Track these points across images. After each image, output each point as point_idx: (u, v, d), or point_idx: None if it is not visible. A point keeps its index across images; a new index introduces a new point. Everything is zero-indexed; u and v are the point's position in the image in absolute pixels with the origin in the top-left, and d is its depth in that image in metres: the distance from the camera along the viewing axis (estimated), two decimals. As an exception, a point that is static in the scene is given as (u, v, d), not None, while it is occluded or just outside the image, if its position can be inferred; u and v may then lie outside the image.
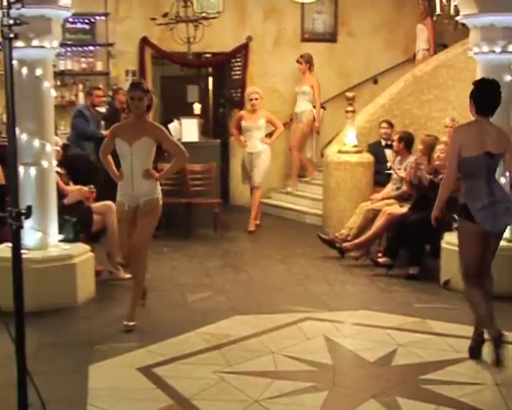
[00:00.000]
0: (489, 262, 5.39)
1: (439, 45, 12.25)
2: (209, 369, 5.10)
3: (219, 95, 14.03)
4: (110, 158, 6.12)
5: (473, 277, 5.30)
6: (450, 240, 7.29)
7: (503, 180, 5.69)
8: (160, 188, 6.10)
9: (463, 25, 7.57)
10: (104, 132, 9.96)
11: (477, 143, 5.16)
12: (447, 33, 10.80)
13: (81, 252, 6.85)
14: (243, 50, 12.28)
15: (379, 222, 8.18)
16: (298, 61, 11.74)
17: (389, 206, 8.33)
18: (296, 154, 11.73)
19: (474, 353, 5.35)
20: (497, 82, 5.35)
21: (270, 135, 10.58)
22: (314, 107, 11.68)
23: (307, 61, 11.68)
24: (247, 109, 10.48)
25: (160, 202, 6.08)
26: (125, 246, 6.12)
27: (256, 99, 10.17)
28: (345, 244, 8.39)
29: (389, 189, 8.80)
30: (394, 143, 8.82)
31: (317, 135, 11.83)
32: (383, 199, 8.68)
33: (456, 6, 7.94)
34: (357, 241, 8.33)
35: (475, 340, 5.37)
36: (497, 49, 6.92)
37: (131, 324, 5.95)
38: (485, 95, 5.25)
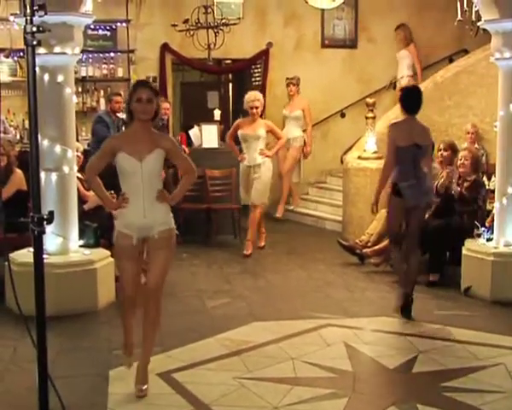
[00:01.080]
0: (413, 233, 6.57)
1: (460, 51, 12.22)
2: (229, 375, 5.10)
3: (239, 101, 14.06)
4: (98, 179, 4.92)
5: (396, 242, 6.67)
6: (471, 247, 7.26)
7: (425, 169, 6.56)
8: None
9: (485, 30, 7.54)
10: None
11: (407, 136, 6.42)
12: (468, 39, 10.73)
13: (102, 257, 6.88)
14: (263, 56, 12.30)
15: (399, 228, 8.15)
16: (290, 84, 11.30)
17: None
18: (288, 181, 11.30)
19: (404, 311, 6.45)
20: (419, 88, 6.83)
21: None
22: (304, 131, 11.33)
23: (298, 83, 11.34)
24: (246, 118, 9.42)
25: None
26: (130, 287, 4.92)
27: (257, 108, 9.12)
28: (365, 250, 8.37)
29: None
30: (440, 153, 8.53)
31: (304, 160, 11.43)
32: None
33: (477, 11, 7.88)
34: (377, 247, 8.30)
35: (403, 299, 6.51)
36: (519, 55, 6.89)
37: (144, 388, 4.80)
38: (409, 99, 6.61)
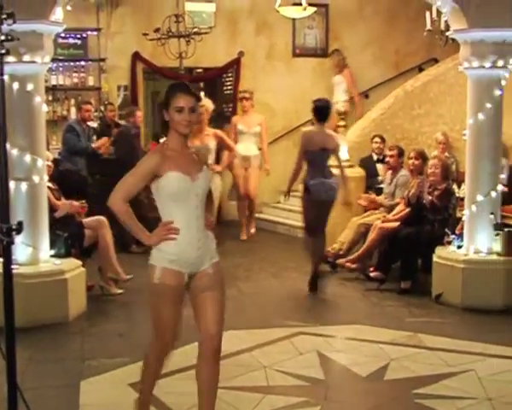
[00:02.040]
0: (322, 223, 7.65)
1: (430, 60, 12.34)
2: (201, 384, 5.07)
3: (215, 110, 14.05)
4: (130, 209, 3.97)
5: (308, 231, 7.72)
6: (441, 254, 7.31)
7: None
8: None
9: (454, 40, 7.62)
10: (94, 145, 9.99)
11: (316, 142, 7.51)
12: (438, 48, 10.85)
13: (72, 267, 6.83)
14: (235, 65, 12.30)
15: (371, 236, 8.19)
16: (246, 98, 10.45)
17: (379, 219, 8.34)
18: (256, 201, 10.76)
19: (311, 286, 7.57)
20: (328, 102, 7.90)
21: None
22: (259, 149, 10.60)
23: (252, 98, 10.56)
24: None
25: None
26: (171, 336, 4.16)
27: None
28: (338, 261, 8.39)
29: (382, 198, 8.83)
30: (392, 159, 8.71)
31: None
32: (375, 202, 8.74)
33: (446, 21, 7.97)
34: (351, 257, 8.33)
35: (312, 276, 7.62)
36: (487, 65, 6.96)
37: None
38: (319, 109, 7.63)
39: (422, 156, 8.32)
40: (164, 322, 4.04)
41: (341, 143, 9.60)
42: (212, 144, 8.48)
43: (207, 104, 8.39)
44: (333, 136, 7.80)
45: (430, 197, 7.74)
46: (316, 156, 7.55)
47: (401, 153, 8.74)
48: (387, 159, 8.90)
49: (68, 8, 7.04)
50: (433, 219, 7.70)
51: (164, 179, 3.86)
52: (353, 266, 8.24)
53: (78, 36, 11.45)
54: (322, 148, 7.54)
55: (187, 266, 3.98)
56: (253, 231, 10.75)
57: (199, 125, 8.20)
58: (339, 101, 10.70)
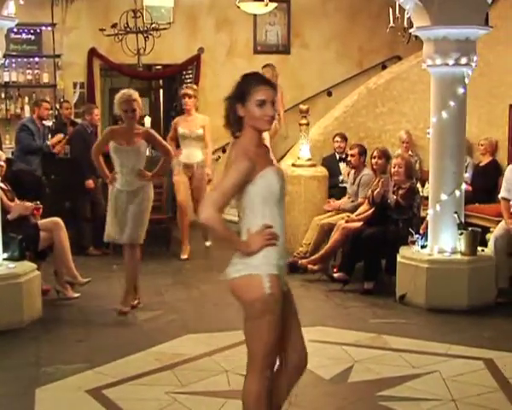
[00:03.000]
0: None
1: (393, 57, 12.45)
2: (161, 390, 5.07)
3: (170, 107, 14.00)
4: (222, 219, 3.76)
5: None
6: (405, 254, 7.37)
7: None
8: None
9: (417, 37, 7.70)
10: (49, 142, 9.89)
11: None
12: (401, 45, 10.95)
13: (27, 270, 6.74)
14: (195, 62, 12.29)
15: (334, 236, 8.23)
16: (190, 96, 9.29)
17: (343, 219, 8.39)
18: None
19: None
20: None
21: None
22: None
23: (196, 95, 9.50)
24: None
25: None
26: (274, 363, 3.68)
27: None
28: (301, 261, 8.39)
29: (345, 201, 8.88)
30: (354, 158, 8.79)
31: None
32: (338, 209, 8.79)
33: (409, 18, 8.05)
34: (313, 257, 8.35)
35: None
36: (451, 62, 7.04)
37: None
38: None
39: (385, 155, 8.39)
40: (273, 343, 3.55)
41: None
42: (144, 147, 7.00)
43: (139, 98, 6.99)
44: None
45: (395, 197, 7.80)
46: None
47: (363, 152, 8.80)
48: (349, 158, 8.97)
49: (21, 1, 6.97)
50: (397, 218, 7.77)
51: (261, 182, 3.53)
52: (315, 267, 8.27)
53: (32, 31, 11.35)
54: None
55: (284, 274, 3.68)
56: (186, 253, 9.47)
57: (129, 121, 6.83)
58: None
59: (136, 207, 6.80)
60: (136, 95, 6.89)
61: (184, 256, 9.37)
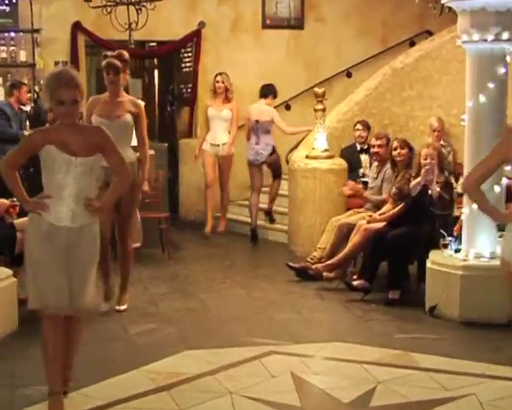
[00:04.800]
0: None
1: (422, 33, 12.42)
2: (155, 414, 5.06)
3: (167, 91, 14.01)
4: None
5: None
6: (436, 259, 7.35)
7: None
8: None
9: (450, 9, 7.67)
10: (26, 132, 9.89)
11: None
12: (432, 19, 10.92)
13: (1, 277, 6.76)
14: (195, 38, 12.30)
15: (354, 239, 8.20)
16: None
17: (364, 219, 8.34)
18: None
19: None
20: None
21: None
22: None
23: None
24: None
25: None
26: None
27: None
28: (316, 266, 8.37)
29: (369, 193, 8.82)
30: (381, 149, 8.64)
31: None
32: (360, 196, 8.84)
33: (441, -13, 8.03)
34: (329, 262, 8.33)
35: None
36: (490, 37, 7.01)
37: None
38: None
39: (408, 145, 8.33)
40: None
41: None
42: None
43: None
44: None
45: (438, 189, 7.71)
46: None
47: (389, 142, 8.75)
48: (375, 149, 8.83)
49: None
50: (438, 214, 7.67)
51: None
52: (332, 274, 8.25)
53: (7, 1, 11.35)
54: None
55: None
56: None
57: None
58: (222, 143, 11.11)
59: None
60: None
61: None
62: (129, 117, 7.21)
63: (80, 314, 5.15)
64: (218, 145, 11.06)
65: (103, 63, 7.32)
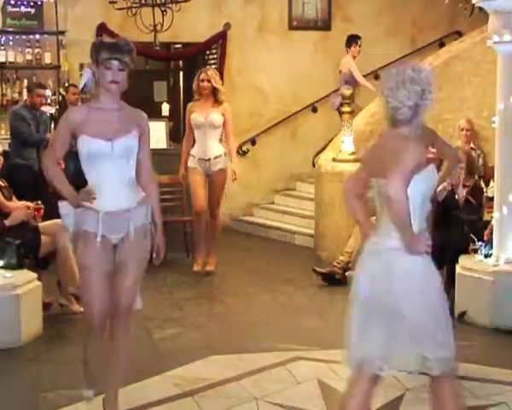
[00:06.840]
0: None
1: (452, 34, 12.37)
2: (180, 420, 5.08)
3: (192, 93, 14.03)
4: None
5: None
6: (466, 264, 7.32)
7: None
8: None
9: (481, 9, 7.64)
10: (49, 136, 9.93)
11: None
12: (462, 19, 10.88)
13: (26, 281, 6.80)
14: (220, 40, 12.30)
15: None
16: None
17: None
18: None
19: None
20: None
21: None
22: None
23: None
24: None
25: None
26: None
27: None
28: (348, 273, 8.36)
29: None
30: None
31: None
32: None
33: (472, -13, 8.00)
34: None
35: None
36: (521, 38, 6.99)
37: None
38: None
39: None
40: None
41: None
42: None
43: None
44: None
45: (464, 193, 7.68)
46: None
47: None
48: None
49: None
50: (466, 219, 7.65)
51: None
52: None
53: (32, 4, 11.40)
54: None
55: None
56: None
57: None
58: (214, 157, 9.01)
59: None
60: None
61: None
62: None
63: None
64: (209, 160, 8.91)
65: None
